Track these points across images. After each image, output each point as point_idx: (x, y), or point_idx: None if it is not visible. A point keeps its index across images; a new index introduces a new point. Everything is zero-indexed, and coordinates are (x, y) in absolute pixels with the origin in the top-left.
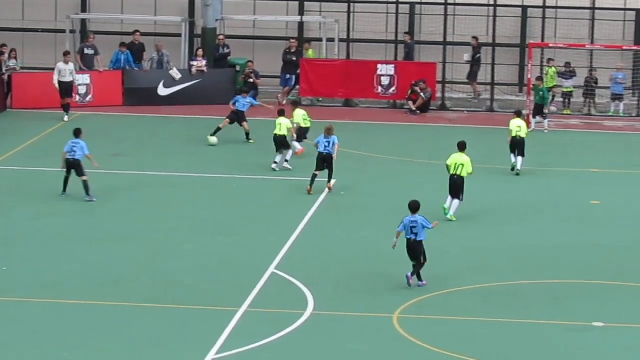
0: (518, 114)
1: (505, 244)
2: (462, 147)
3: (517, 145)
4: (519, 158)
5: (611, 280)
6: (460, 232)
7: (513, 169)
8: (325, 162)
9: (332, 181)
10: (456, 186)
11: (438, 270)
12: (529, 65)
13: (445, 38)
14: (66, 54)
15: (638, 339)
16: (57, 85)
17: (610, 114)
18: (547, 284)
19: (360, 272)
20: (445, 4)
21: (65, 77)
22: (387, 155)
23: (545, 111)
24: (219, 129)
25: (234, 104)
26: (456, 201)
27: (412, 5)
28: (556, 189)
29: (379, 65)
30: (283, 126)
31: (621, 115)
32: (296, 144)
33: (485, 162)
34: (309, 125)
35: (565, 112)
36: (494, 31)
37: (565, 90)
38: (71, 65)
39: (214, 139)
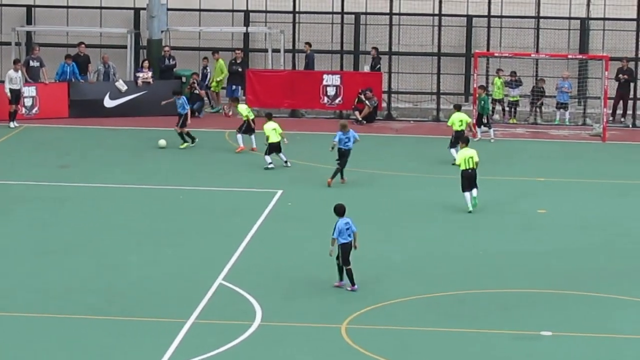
0: (458, 108)
1: (451, 252)
2: (466, 141)
3: (461, 138)
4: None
5: (559, 289)
6: (404, 240)
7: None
8: (344, 157)
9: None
10: (471, 179)
11: (385, 279)
12: (475, 74)
13: (390, 48)
14: (16, 61)
15: (586, 348)
16: (8, 94)
17: (556, 122)
18: (494, 292)
19: (307, 283)
20: (390, 14)
21: (16, 84)
22: (334, 165)
23: (484, 120)
24: (190, 136)
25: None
26: (475, 190)
27: (357, 15)
28: (502, 197)
29: (325, 76)
30: (277, 132)
31: (567, 123)
32: (239, 139)
33: (431, 171)
34: (253, 116)
35: (511, 121)
36: (439, 40)
37: (511, 99)
38: (20, 73)
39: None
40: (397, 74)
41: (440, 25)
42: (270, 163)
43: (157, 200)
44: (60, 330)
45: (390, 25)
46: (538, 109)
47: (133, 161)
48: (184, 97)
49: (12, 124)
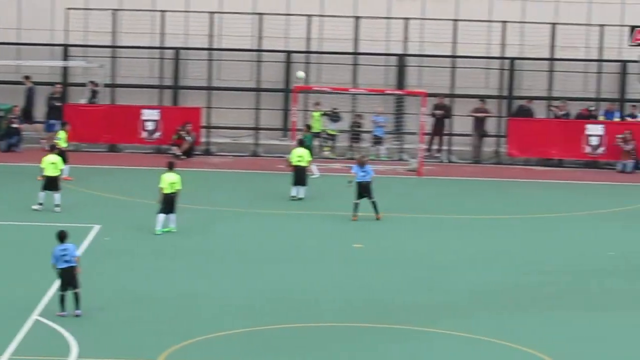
0: (300, 143)
1: (266, 287)
2: (171, 166)
3: (299, 174)
4: (301, 188)
5: (372, 323)
6: (220, 275)
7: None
8: (365, 190)
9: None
10: (171, 202)
11: (203, 313)
12: (294, 109)
13: (210, 83)
14: None
15: None
16: None
17: (372, 157)
18: (309, 327)
19: (124, 317)
20: (210, 49)
21: None
22: (151, 200)
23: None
24: None
25: None
26: (172, 215)
27: (177, 50)
28: (320, 232)
29: (143, 110)
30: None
31: (382, 158)
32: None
33: (249, 206)
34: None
35: (325, 149)
36: (259, 76)
37: (329, 132)
38: None
39: None
40: (216, 109)
41: (259, 61)
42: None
43: None
44: None
45: (210, 60)
46: (355, 144)
47: None
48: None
49: None
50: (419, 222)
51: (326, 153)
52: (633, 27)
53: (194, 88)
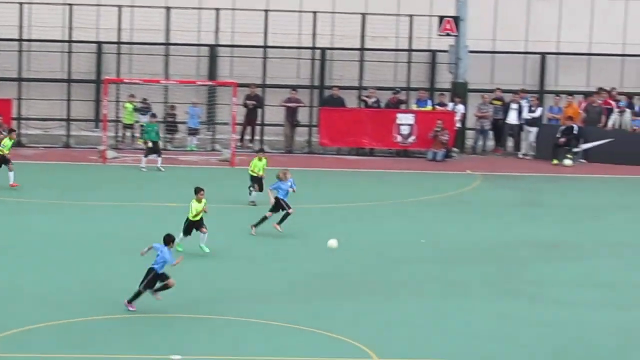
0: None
1: (75, 279)
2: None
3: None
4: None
5: (188, 314)
6: (35, 268)
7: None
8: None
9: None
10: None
11: (15, 307)
12: (105, 100)
13: (20, 74)
14: None
15: None
16: None
17: (189, 148)
18: (123, 318)
19: None
20: (20, 40)
21: None
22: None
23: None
24: None
25: None
26: None
27: None
28: (127, 223)
29: None
30: None
31: (194, 149)
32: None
33: (61, 198)
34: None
35: (141, 143)
36: (69, 67)
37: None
38: None
39: None
40: (27, 100)
41: (70, 52)
42: None
43: None
44: None
45: (20, 51)
46: (169, 135)
47: None
48: None
49: None
50: (233, 212)
51: (140, 144)
52: (442, 17)
53: (4, 79)
